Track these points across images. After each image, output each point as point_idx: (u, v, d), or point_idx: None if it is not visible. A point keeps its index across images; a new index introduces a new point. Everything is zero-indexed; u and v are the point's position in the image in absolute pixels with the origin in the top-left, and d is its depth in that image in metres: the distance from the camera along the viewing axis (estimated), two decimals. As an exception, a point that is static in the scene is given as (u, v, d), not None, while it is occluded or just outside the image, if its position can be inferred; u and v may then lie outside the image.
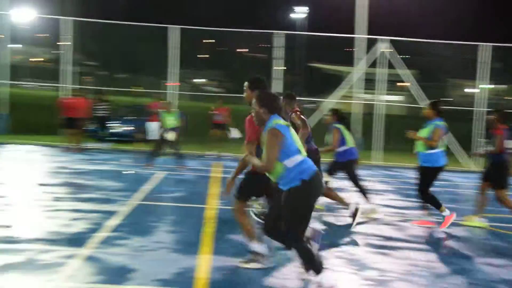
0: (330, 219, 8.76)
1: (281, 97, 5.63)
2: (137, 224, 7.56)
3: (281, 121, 5.10)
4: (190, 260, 5.96)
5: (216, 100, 18.16)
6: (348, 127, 9.32)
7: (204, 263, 5.90)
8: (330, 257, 6.33)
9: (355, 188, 9.25)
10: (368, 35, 19.48)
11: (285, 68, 19.18)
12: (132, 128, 19.19)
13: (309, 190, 4.98)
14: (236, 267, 5.79)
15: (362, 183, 9.30)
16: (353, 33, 19.66)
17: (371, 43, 18.96)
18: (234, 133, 15.74)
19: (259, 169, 5.13)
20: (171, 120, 13.52)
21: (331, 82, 22.95)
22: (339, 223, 8.53)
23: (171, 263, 5.81)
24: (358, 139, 19.33)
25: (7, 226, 6.88)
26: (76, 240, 6.50)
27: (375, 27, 20.82)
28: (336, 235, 7.64)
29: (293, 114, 7.57)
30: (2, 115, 19.08)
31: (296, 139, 5.12)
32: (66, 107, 15.88)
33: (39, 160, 14.08)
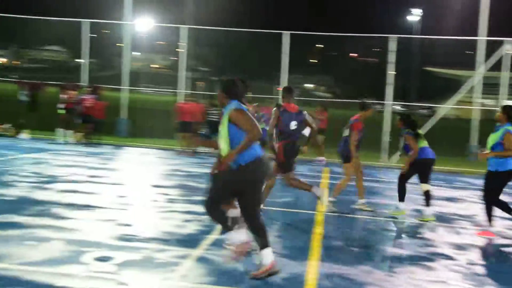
0: (444, 229, 8.43)
1: (242, 84, 5.66)
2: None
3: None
4: (299, 266, 5.99)
5: (318, 106, 18.08)
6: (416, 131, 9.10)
7: (313, 269, 5.90)
8: (444, 270, 6.10)
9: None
10: (489, 36, 18.50)
11: (396, 72, 18.73)
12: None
13: (242, 174, 5.37)
14: (344, 274, 5.74)
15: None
16: (471, 35, 18.79)
17: (491, 45, 18.00)
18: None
19: (252, 140, 5.31)
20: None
21: (447, 87, 22.08)
22: (452, 234, 8.18)
23: (280, 268, 5.85)
24: (470, 146, 18.47)
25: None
26: (189, 241, 6.75)
27: (495, 28, 19.76)
28: (449, 246, 7.33)
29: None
30: (122, 120, 20.22)
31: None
32: (181, 111, 16.59)
33: (154, 162, 14.76)
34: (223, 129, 5.43)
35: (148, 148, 18.28)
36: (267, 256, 5.44)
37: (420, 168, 8.99)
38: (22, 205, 8.10)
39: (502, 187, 7.94)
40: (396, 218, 9.05)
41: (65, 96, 17.70)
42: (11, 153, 13.99)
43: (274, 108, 8.69)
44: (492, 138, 7.87)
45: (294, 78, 19.72)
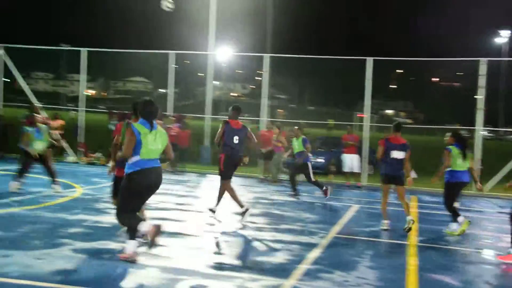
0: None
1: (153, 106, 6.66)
2: (338, 257, 7.58)
3: (142, 126, 6.51)
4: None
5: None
6: (464, 151, 9.70)
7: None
8: None
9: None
10: None
11: (482, 96, 18.03)
12: (323, 160, 19.49)
13: (128, 182, 6.59)
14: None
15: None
16: None
17: None
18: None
19: (121, 155, 6.77)
20: (296, 146, 13.87)
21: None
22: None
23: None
24: None
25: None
26: (281, 270, 6.70)
27: None
28: None
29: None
30: (206, 147, 20.61)
31: (149, 144, 6.51)
32: (263, 139, 16.71)
33: (238, 190, 14.83)
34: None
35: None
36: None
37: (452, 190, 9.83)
38: (117, 231, 8.35)
39: None
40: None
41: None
42: (103, 181, 14.53)
43: (221, 124, 10.00)
44: None
45: (374, 104, 19.42)
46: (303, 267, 6.89)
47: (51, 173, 12.02)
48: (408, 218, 9.40)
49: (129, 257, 6.55)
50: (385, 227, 9.68)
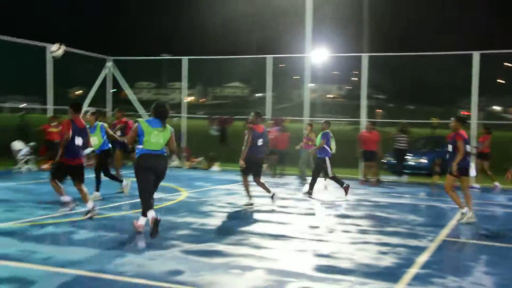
0: None
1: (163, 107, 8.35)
2: (449, 261, 7.32)
3: (146, 124, 8.16)
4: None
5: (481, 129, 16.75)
6: None
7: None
8: None
9: None
10: None
11: None
12: (426, 160, 18.88)
13: (136, 166, 8.42)
14: None
15: None
16: None
17: None
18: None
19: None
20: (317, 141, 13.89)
21: None
22: None
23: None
24: None
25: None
26: (389, 274, 6.54)
27: None
28: None
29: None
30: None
31: (152, 138, 8.06)
32: (363, 140, 16.47)
33: (339, 192, 14.71)
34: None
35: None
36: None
37: None
38: (222, 234, 8.54)
39: None
40: None
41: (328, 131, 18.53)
42: (207, 184, 14.95)
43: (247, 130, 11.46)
44: None
45: (480, 101, 18.50)
46: (413, 271, 6.69)
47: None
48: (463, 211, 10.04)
49: (137, 228, 8.23)
50: None
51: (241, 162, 11.28)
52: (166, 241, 7.88)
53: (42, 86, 19.36)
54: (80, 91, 27.81)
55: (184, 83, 21.54)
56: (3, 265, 6.37)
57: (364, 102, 18.78)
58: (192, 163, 20.29)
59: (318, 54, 26.10)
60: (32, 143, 17.62)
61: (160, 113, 8.27)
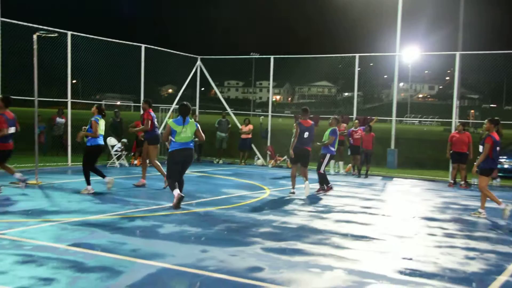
0: None
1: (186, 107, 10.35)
2: (542, 270, 6.90)
3: (173, 123, 10.30)
4: None
5: None
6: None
7: None
8: None
9: None
10: None
11: None
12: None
13: (168, 157, 10.54)
14: None
15: None
16: None
17: None
18: None
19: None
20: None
21: None
22: None
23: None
24: None
25: None
26: (476, 280, 6.30)
27: None
28: None
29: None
30: (391, 150, 20.16)
31: (184, 132, 10.20)
32: (454, 142, 15.90)
33: (425, 194, 14.30)
34: None
35: (417, 179, 17.90)
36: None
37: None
38: (303, 232, 8.55)
39: None
40: None
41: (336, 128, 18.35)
42: (290, 183, 14.96)
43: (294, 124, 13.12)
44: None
45: None
46: (503, 278, 6.41)
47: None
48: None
49: (174, 203, 10.06)
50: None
51: (291, 152, 12.79)
52: (248, 238, 7.99)
53: (136, 85, 20.19)
54: (170, 90, 28.75)
55: (271, 82, 21.71)
56: (95, 254, 6.71)
57: (456, 102, 18.12)
58: (276, 162, 20.41)
59: (408, 53, 25.49)
60: (124, 140, 18.41)
61: (182, 111, 10.30)
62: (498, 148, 10.67)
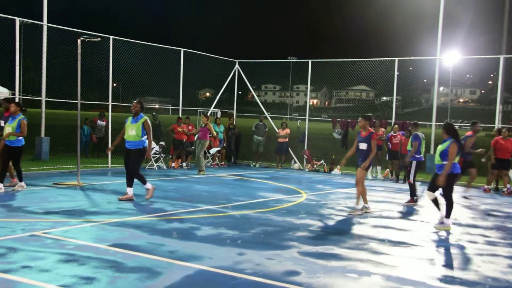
0: None
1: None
2: None
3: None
4: None
5: None
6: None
7: None
8: None
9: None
10: None
11: None
12: None
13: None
14: None
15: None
16: None
17: None
18: None
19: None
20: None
21: None
22: None
23: None
24: None
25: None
26: (518, 289, 6.16)
27: None
28: None
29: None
30: (431, 156, 19.81)
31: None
32: (498, 147, 15.56)
33: (466, 200, 14.02)
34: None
35: (457, 185, 17.53)
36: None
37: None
38: (340, 237, 8.51)
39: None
40: None
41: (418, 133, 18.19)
42: (327, 187, 14.93)
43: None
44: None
45: None
46: (545, 288, 6.25)
47: None
48: None
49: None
50: None
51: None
52: (284, 241, 8.00)
53: (175, 88, 20.46)
54: (208, 94, 28.97)
55: (309, 86, 21.69)
56: (134, 255, 6.83)
57: (499, 107, 17.76)
58: (313, 166, 20.35)
59: (449, 57, 25.07)
60: (162, 142, 18.67)
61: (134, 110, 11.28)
62: None
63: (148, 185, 11.29)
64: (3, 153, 11.54)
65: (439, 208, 9.94)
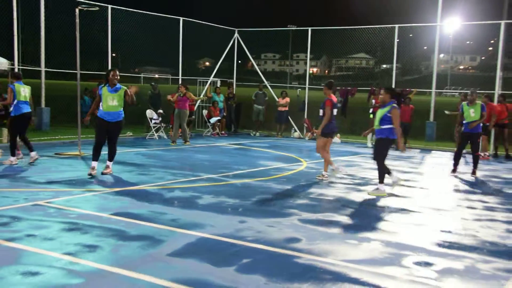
0: None
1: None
2: None
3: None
4: None
5: None
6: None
7: None
8: None
9: None
10: None
11: None
12: None
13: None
14: None
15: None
16: None
17: None
18: None
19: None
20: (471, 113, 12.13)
21: None
22: None
23: None
24: None
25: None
26: (515, 253, 6.23)
27: None
28: None
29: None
30: (430, 123, 19.83)
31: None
32: (496, 113, 15.52)
33: (463, 167, 14.07)
34: None
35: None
36: None
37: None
38: (340, 205, 8.56)
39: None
40: None
41: (373, 101, 18.17)
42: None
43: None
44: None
45: None
46: (543, 253, 6.31)
47: None
48: None
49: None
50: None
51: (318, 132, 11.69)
52: (285, 209, 8.05)
53: (174, 58, 20.32)
54: (208, 63, 28.79)
55: (308, 54, 21.55)
56: (136, 223, 6.88)
57: (499, 74, 17.67)
58: (313, 135, 20.35)
59: (449, 23, 24.85)
60: (160, 110, 18.60)
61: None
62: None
63: (111, 163, 10.68)
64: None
65: (389, 173, 9.84)
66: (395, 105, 9.51)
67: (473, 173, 12.26)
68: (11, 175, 10.14)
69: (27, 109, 11.35)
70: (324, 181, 10.82)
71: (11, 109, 11.34)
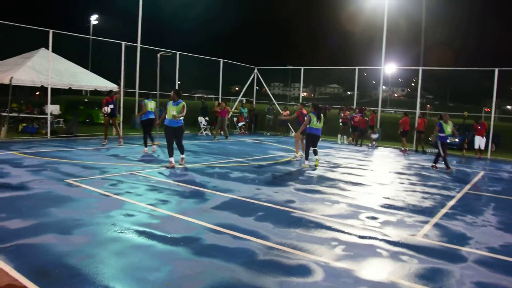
0: None
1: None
2: (468, 206, 6.75)
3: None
4: (521, 242, 4.96)
5: None
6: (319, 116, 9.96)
7: (534, 247, 4.81)
8: None
9: None
10: None
11: None
12: (458, 140, 17.11)
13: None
14: None
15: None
16: None
17: None
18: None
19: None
20: (448, 129, 10.90)
21: None
22: None
23: (497, 237, 4.98)
24: None
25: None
26: (428, 212, 6.21)
27: None
28: None
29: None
30: (377, 129, 19.61)
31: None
32: (418, 124, 15.31)
33: (395, 158, 13.93)
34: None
35: (392, 148, 17.46)
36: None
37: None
38: (321, 180, 8.54)
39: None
40: None
41: (342, 114, 18.12)
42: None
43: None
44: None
45: (497, 102, 16.22)
46: (444, 211, 6.30)
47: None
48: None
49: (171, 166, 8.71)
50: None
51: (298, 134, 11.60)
52: (285, 182, 8.07)
53: (216, 84, 20.33)
54: (237, 88, 28.76)
55: (301, 84, 21.44)
56: (192, 188, 6.95)
57: (419, 99, 17.50)
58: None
59: (388, 67, 24.61)
60: (207, 118, 18.64)
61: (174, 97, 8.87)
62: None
63: (183, 155, 9.39)
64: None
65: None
66: (311, 114, 9.97)
67: (433, 167, 11.43)
68: (117, 155, 10.28)
69: (151, 116, 11.06)
70: (297, 159, 11.21)
71: (140, 116, 11.37)
